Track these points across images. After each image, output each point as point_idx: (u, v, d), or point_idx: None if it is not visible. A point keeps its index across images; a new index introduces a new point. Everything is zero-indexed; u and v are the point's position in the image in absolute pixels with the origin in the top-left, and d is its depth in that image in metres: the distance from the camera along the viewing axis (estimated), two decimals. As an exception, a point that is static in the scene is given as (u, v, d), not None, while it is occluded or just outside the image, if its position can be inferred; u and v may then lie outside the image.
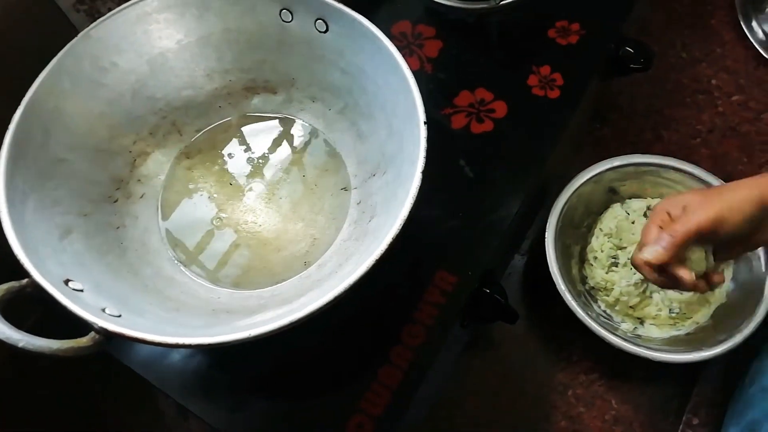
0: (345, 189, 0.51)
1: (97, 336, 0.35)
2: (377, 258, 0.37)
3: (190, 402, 0.49)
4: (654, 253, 0.44)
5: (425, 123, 0.41)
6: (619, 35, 0.64)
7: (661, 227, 0.46)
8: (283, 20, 0.49)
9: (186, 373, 0.49)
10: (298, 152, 0.53)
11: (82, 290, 0.38)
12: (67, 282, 0.38)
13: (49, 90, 0.44)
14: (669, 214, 0.47)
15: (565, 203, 0.59)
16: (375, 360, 0.49)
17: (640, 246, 0.47)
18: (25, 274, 0.37)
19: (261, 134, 0.54)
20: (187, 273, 0.48)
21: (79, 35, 0.45)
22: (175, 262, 0.48)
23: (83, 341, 0.34)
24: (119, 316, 0.37)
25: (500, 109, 0.59)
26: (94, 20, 0.51)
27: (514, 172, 0.56)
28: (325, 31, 0.48)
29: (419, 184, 0.39)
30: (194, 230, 0.50)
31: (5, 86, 0.46)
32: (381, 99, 0.48)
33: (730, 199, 0.44)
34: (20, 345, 0.32)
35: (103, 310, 0.37)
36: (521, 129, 0.58)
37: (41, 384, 0.57)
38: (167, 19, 0.48)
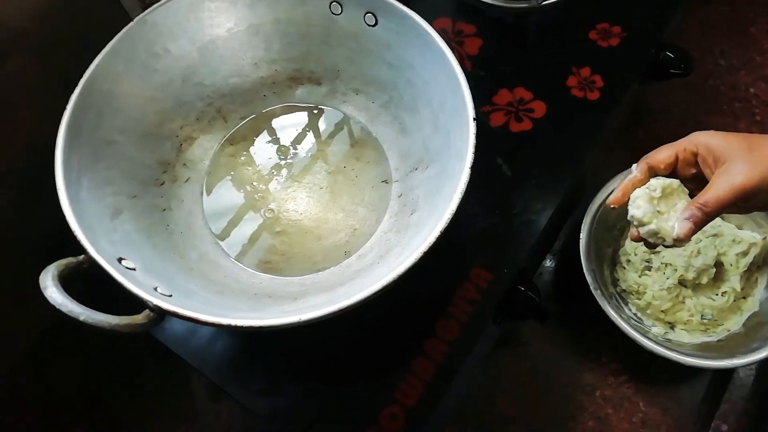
0: (386, 181, 0.51)
1: (151, 314, 0.36)
2: (425, 250, 0.37)
3: (225, 383, 0.50)
4: (684, 230, 0.39)
5: (474, 119, 0.42)
6: (660, 40, 0.64)
7: (677, 156, 0.42)
8: (332, 13, 0.50)
9: (222, 355, 0.50)
10: (339, 143, 0.54)
11: (134, 269, 0.39)
12: (120, 260, 0.39)
13: (104, 73, 0.44)
14: (695, 154, 0.41)
15: (600, 205, 0.59)
16: (409, 352, 0.50)
17: (641, 159, 0.43)
18: (81, 250, 0.38)
19: (304, 125, 0.54)
20: (230, 257, 0.48)
21: (135, 20, 0.46)
22: (218, 246, 0.49)
23: (139, 318, 0.35)
24: (170, 295, 0.38)
25: (539, 108, 0.60)
26: (145, 5, 0.52)
27: (552, 172, 0.57)
28: (373, 25, 0.49)
29: (468, 180, 0.40)
30: (236, 216, 0.51)
31: (59, 69, 0.47)
32: (427, 94, 0.48)
33: None
34: (81, 318, 0.33)
35: (155, 289, 0.38)
36: (560, 129, 0.58)
37: (75, 362, 0.58)
38: (219, 7, 0.49)
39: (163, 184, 0.49)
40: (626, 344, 0.54)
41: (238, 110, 0.54)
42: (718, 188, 0.38)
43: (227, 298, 0.43)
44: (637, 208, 0.42)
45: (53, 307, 0.34)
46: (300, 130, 0.54)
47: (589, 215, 0.59)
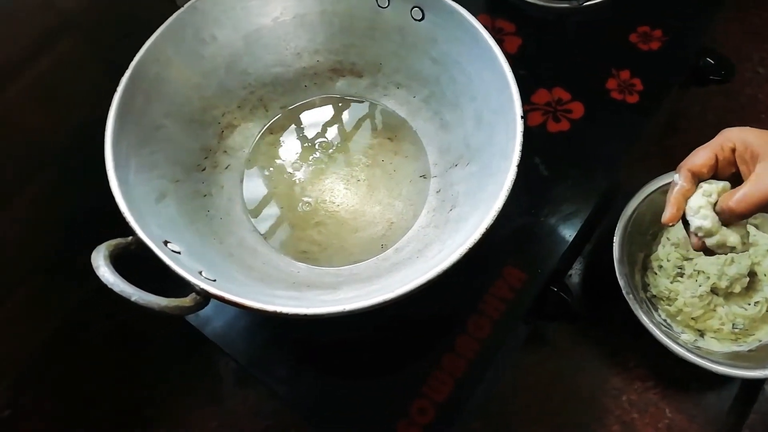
0: (424, 176, 0.51)
1: (197, 297, 0.36)
2: (471, 246, 0.37)
3: (254, 368, 0.50)
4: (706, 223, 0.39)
5: (522, 118, 0.42)
6: (701, 45, 0.63)
7: (716, 156, 0.40)
8: (379, 5, 0.50)
9: (251, 341, 0.50)
10: (378, 137, 0.54)
11: (179, 252, 0.40)
12: (166, 243, 0.40)
13: (153, 57, 0.45)
14: (734, 150, 0.40)
15: (635, 210, 0.59)
16: (440, 347, 0.50)
17: (680, 167, 0.42)
18: (129, 232, 0.38)
19: (343, 116, 0.55)
20: (268, 244, 0.49)
21: (185, 6, 0.46)
22: (256, 233, 0.49)
23: (186, 301, 0.35)
24: (214, 280, 0.39)
25: (577, 109, 0.59)
26: (191, -8, 0.52)
27: (588, 173, 0.56)
28: (420, 20, 0.49)
29: (514, 178, 0.40)
30: (274, 204, 0.51)
31: (106, 51, 0.47)
32: (471, 90, 0.48)
33: None
34: (132, 299, 0.33)
35: (200, 273, 0.39)
36: (598, 131, 0.58)
37: (105, 341, 0.59)
38: (266, -4, 0.49)
39: (204, 169, 0.49)
40: (654, 349, 0.54)
41: (279, 99, 0.54)
42: (753, 189, 0.38)
43: (266, 285, 0.44)
44: (704, 218, 0.40)
45: (93, 284, 0.34)
46: (339, 122, 0.54)
47: (624, 219, 0.59)
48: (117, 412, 0.57)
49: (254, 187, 0.51)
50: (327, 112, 0.55)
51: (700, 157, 0.41)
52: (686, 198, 0.41)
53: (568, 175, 0.56)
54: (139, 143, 0.44)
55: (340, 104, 0.55)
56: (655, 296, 0.60)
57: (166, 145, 0.46)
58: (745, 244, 0.41)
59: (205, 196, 0.48)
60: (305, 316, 0.36)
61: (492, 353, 0.50)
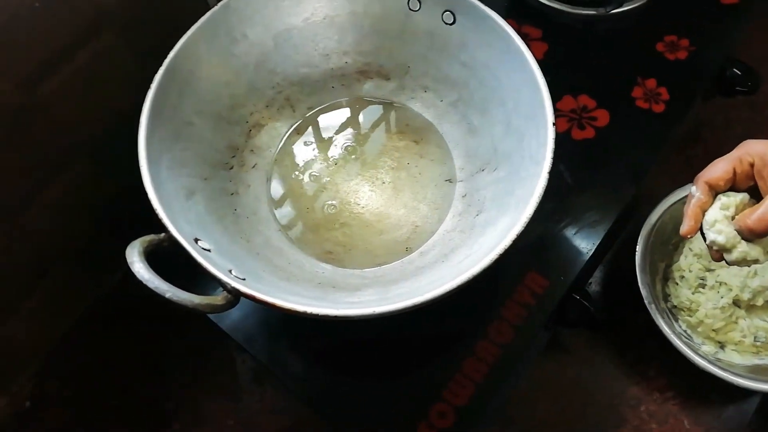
0: (450, 181, 0.51)
1: (228, 296, 0.36)
2: (501, 252, 0.37)
3: (274, 365, 0.50)
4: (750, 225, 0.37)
5: (554, 124, 0.42)
6: (728, 55, 0.63)
7: (735, 169, 0.40)
8: (410, 8, 0.50)
9: (272, 339, 0.51)
10: (404, 139, 0.54)
11: (209, 250, 0.40)
12: (196, 240, 0.40)
13: (187, 54, 0.45)
14: (752, 164, 0.39)
15: (658, 219, 0.59)
16: (460, 352, 0.50)
17: (698, 179, 0.41)
18: (161, 228, 0.38)
19: (369, 118, 0.55)
20: (293, 245, 0.49)
21: (220, 5, 0.47)
22: (282, 233, 0.49)
23: (218, 299, 0.36)
24: (244, 279, 0.39)
25: (602, 117, 0.59)
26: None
27: (613, 182, 0.56)
28: (452, 23, 0.49)
29: (545, 184, 0.40)
30: (300, 204, 0.51)
31: (142, 46, 0.48)
32: (501, 95, 0.48)
33: None
34: (167, 296, 0.34)
35: (230, 271, 0.39)
36: (623, 139, 0.58)
37: (125, 335, 0.60)
38: (299, -4, 0.50)
39: (232, 168, 0.50)
40: (675, 360, 0.54)
41: (306, 100, 0.54)
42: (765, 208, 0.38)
43: (293, 285, 0.44)
44: (719, 233, 0.40)
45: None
46: (365, 124, 0.55)
47: (647, 228, 0.58)
48: (137, 405, 0.57)
49: (280, 186, 0.52)
50: (354, 113, 0.55)
51: (718, 169, 0.41)
52: (703, 210, 0.41)
53: (592, 182, 0.56)
54: (171, 139, 0.44)
55: (366, 106, 0.55)
56: (675, 306, 0.60)
57: (196, 143, 0.46)
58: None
59: (232, 194, 0.49)
60: (335, 317, 0.36)
61: (513, 359, 0.50)
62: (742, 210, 0.40)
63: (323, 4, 0.50)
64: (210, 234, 0.43)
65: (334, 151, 0.53)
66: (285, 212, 0.50)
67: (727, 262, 0.41)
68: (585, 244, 0.54)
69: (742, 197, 0.40)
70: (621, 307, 0.62)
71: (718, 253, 0.41)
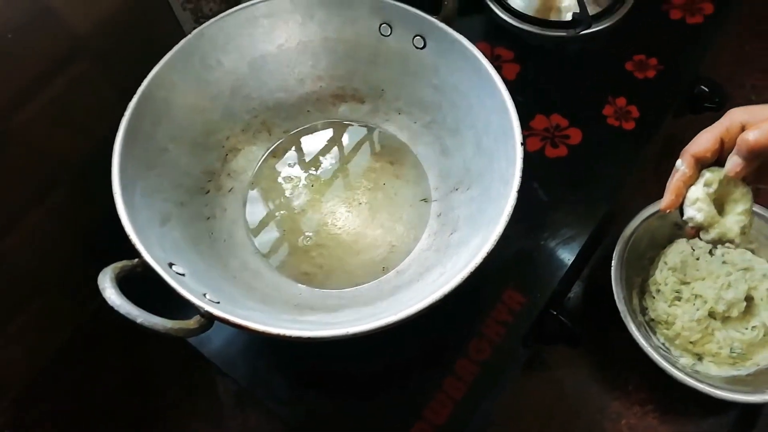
0: (425, 200, 0.52)
1: (202, 319, 0.36)
2: (472, 270, 0.38)
3: (255, 388, 0.50)
4: (735, 165, 0.36)
5: (522, 144, 0.43)
6: (695, 73, 0.65)
7: (722, 140, 0.38)
8: (381, 34, 0.51)
9: (253, 362, 0.51)
10: (379, 161, 0.55)
11: (183, 275, 0.40)
12: (170, 265, 0.40)
13: (161, 82, 0.46)
14: (744, 126, 0.38)
15: (632, 233, 0.60)
16: (440, 370, 0.50)
17: (684, 152, 0.40)
18: (135, 254, 0.39)
19: (345, 141, 0.56)
20: (270, 267, 0.49)
21: (193, 33, 0.47)
22: (259, 255, 0.50)
23: (191, 323, 0.36)
24: (218, 302, 0.39)
25: (575, 135, 0.61)
26: (198, 18, 0.54)
27: (587, 198, 0.57)
28: (422, 48, 0.50)
29: (514, 203, 0.41)
30: (276, 226, 0.52)
31: (117, 74, 0.49)
32: (472, 117, 0.49)
33: None
34: (138, 321, 0.34)
35: (204, 295, 0.39)
36: (595, 157, 0.59)
37: (108, 358, 0.59)
38: (272, 24, 0.51)
39: (208, 192, 0.50)
40: (653, 373, 0.54)
41: (282, 124, 0.55)
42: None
43: (270, 307, 0.44)
44: (698, 211, 0.39)
45: (95, 301, 0.34)
46: (341, 146, 0.55)
47: (621, 243, 0.59)
48: (119, 429, 0.57)
49: (257, 209, 0.52)
50: (329, 136, 0.56)
51: (704, 141, 0.39)
52: (687, 185, 0.40)
53: (566, 199, 0.57)
54: (146, 166, 0.45)
55: (341, 129, 0.56)
56: (653, 320, 0.61)
57: (171, 169, 0.47)
58: (745, 234, 0.39)
59: (208, 218, 0.49)
60: (308, 339, 0.36)
61: (492, 377, 0.50)
62: (726, 185, 0.40)
63: (297, 30, 0.51)
64: (185, 258, 0.43)
65: (311, 174, 0.54)
66: (261, 234, 0.51)
67: (703, 241, 0.41)
68: (560, 260, 0.54)
69: (726, 171, 0.39)
70: (599, 322, 0.62)
71: (694, 230, 0.40)
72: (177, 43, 0.47)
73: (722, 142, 0.39)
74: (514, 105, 0.44)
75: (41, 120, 0.45)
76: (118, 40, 0.48)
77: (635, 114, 0.61)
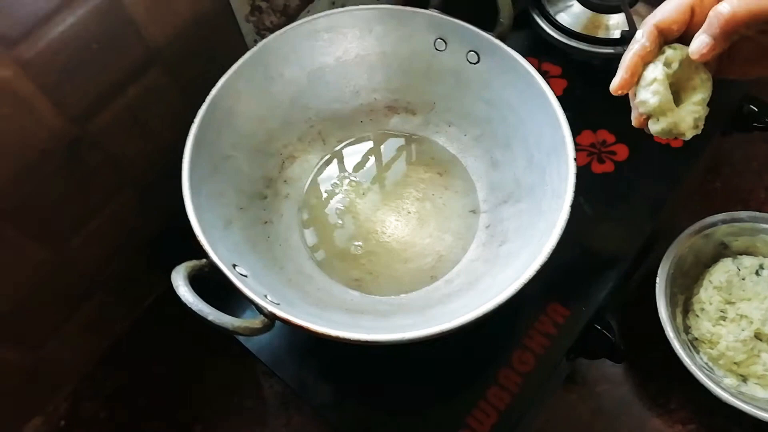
0: (473, 212, 0.53)
1: (265, 320, 0.38)
2: (525, 282, 0.39)
3: (301, 389, 0.51)
4: (702, 45, 0.30)
5: (575, 160, 0.44)
6: (745, 92, 0.65)
7: (693, 9, 0.32)
8: (437, 49, 0.53)
9: (300, 365, 0.52)
10: (428, 172, 0.56)
11: (246, 276, 0.42)
12: (234, 266, 0.42)
13: (227, 92, 0.48)
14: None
15: (677, 252, 0.60)
16: (483, 379, 0.51)
17: (645, 21, 0.34)
18: (203, 254, 0.41)
19: (395, 151, 0.57)
20: (322, 272, 0.51)
21: (259, 45, 0.50)
22: (312, 260, 0.51)
23: (256, 323, 0.38)
24: (279, 303, 0.41)
25: (621, 152, 0.61)
26: (259, 30, 0.56)
27: (632, 214, 0.58)
28: (476, 63, 0.51)
29: (567, 217, 0.42)
30: (328, 232, 0.53)
31: (184, 83, 0.51)
32: (523, 131, 0.50)
33: None
34: (209, 318, 0.36)
35: (265, 296, 0.41)
36: (641, 174, 0.60)
37: (157, 354, 0.62)
38: (332, 37, 0.53)
39: (266, 198, 0.52)
40: (696, 393, 0.54)
41: (336, 133, 0.57)
42: None
43: (324, 311, 0.46)
44: (654, 94, 0.34)
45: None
46: (392, 156, 0.57)
47: (667, 261, 0.59)
48: (168, 427, 0.59)
49: (310, 215, 0.54)
50: (380, 146, 0.57)
51: (672, 8, 0.33)
52: (645, 62, 0.35)
53: (611, 215, 0.57)
54: (211, 172, 0.47)
55: (393, 140, 0.57)
56: (696, 339, 0.60)
57: (233, 175, 0.49)
58: (698, 128, 0.35)
59: (266, 223, 0.51)
60: (365, 342, 0.38)
61: (536, 388, 0.51)
62: (687, 69, 0.35)
63: (355, 44, 0.53)
64: (246, 260, 0.45)
65: (361, 183, 0.56)
66: (314, 240, 0.53)
67: (650, 131, 0.36)
68: (606, 275, 0.55)
69: (690, 52, 0.33)
70: (640, 339, 0.62)
71: (643, 118, 0.36)
72: (239, 53, 0.49)
73: (692, 13, 0.33)
74: (567, 120, 0.45)
75: (115, 126, 0.48)
76: (186, 50, 0.51)
77: (683, 132, 0.61)
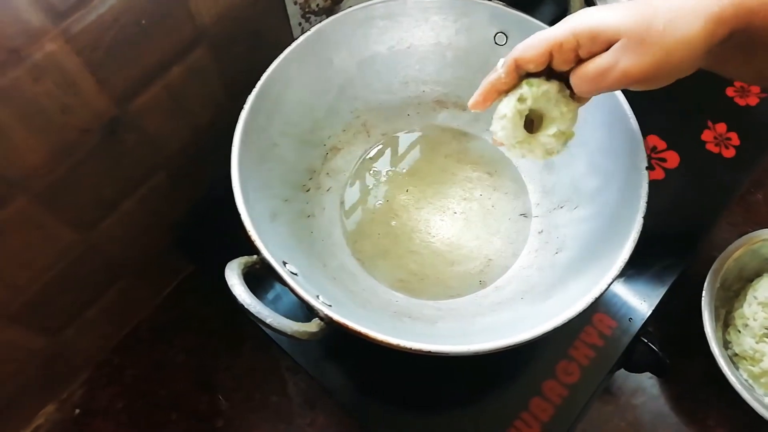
0: (524, 215, 0.51)
1: (322, 323, 0.36)
2: (597, 296, 0.37)
3: (331, 387, 0.49)
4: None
5: (647, 168, 0.41)
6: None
7: (551, 54, 0.33)
8: (496, 43, 0.50)
9: (329, 362, 0.50)
10: (476, 171, 0.54)
11: (296, 274, 0.40)
12: (284, 264, 0.39)
13: (278, 76, 0.45)
14: (578, 42, 0.32)
15: (722, 266, 0.58)
16: (527, 390, 0.49)
17: (510, 53, 0.34)
18: (254, 250, 0.38)
19: (442, 147, 0.55)
20: (365, 270, 0.49)
21: (312, 29, 0.47)
22: (354, 257, 0.49)
23: (313, 327, 0.35)
24: (330, 305, 0.38)
25: (672, 159, 0.59)
26: (305, 13, 0.53)
27: (683, 225, 0.56)
28: (537, 60, 0.49)
29: (640, 229, 0.39)
30: (370, 229, 0.51)
31: (228, 64, 0.48)
32: (582, 134, 0.47)
33: (674, 36, 0.30)
34: (267, 321, 0.33)
35: (317, 297, 0.38)
36: (693, 183, 0.58)
37: (182, 346, 0.59)
38: (386, 25, 0.50)
39: (309, 190, 0.50)
40: (736, 410, 0.53)
41: (381, 126, 0.54)
42: (600, 68, 0.31)
43: (370, 313, 0.43)
44: (502, 129, 0.35)
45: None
46: (438, 153, 0.54)
47: (712, 276, 0.58)
48: (186, 420, 0.57)
49: (352, 210, 0.52)
50: (426, 141, 0.55)
51: (534, 47, 0.33)
52: (499, 93, 0.36)
53: (662, 225, 0.55)
54: (259, 161, 0.44)
55: (440, 135, 0.55)
56: (737, 354, 0.59)
57: (280, 164, 0.47)
58: (552, 154, 0.37)
59: (308, 216, 0.49)
60: (428, 353, 0.35)
61: (581, 400, 0.49)
62: (547, 101, 0.35)
63: (409, 33, 0.51)
64: (293, 257, 0.42)
65: (406, 178, 0.53)
66: (357, 236, 0.50)
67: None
68: (654, 287, 0.53)
69: (547, 89, 0.35)
70: (679, 352, 0.61)
71: (498, 143, 0.38)
72: (282, 36, 0.47)
73: (551, 56, 0.33)
74: (638, 124, 0.43)
75: (155, 107, 0.45)
76: (232, 31, 0.48)
77: (735, 141, 0.60)
